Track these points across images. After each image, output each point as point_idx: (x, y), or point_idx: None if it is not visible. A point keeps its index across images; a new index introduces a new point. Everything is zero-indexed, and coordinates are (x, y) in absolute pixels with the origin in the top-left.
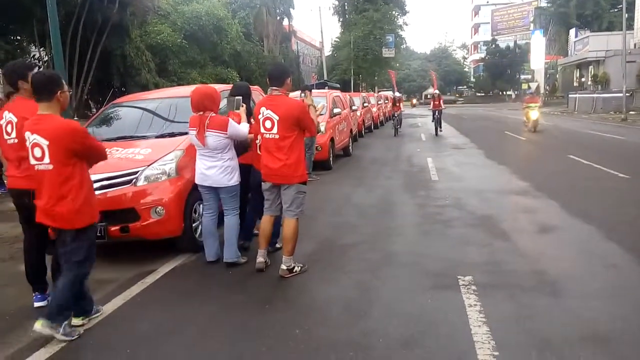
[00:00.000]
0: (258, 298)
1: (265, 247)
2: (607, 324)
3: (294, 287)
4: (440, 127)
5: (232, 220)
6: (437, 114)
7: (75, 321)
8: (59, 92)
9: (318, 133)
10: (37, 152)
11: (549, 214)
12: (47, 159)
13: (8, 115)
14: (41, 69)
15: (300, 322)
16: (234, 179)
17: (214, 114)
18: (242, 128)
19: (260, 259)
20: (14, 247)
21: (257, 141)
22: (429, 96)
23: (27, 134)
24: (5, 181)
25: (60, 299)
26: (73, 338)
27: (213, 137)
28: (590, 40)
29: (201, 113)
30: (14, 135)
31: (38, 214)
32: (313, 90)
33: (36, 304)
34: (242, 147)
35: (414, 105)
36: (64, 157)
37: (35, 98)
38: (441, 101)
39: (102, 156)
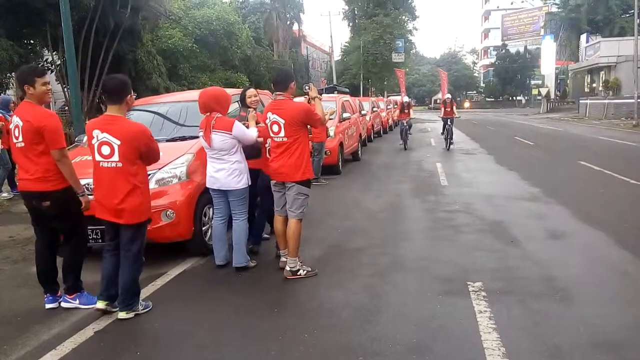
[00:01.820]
0: (267, 302)
1: (285, 247)
2: (619, 331)
3: (303, 291)
4: (452, 139)
5: (240, 225)
6: (448, 123)
7: (100, 305)
8: (128, 96)
9: (328, 138)
10: (105, 150)
11: (559, 220)
12: (116, 157)
13: (15, 119)
14: (54, 71)
15: (309, 326)
16: (242, 182)
17: (220, 115)
18: (249, 132)
19: (283, 258)
20: (27, 248)
21: (267, 145)
22: (438, 101)
23: (96, 132)
24: (17, 183)
25: (131, 287)
26: (150, 307)
27: (218, 137)
28: (601, 45)
29: (208, 114)
30: (21, 138)
31: (97, 208)
32: (323, 95)
33: (47, 306)
34: (254, 151)
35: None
36: (133, 156)
37: (107, 101)
38: (453, 107)
39: (157, 158)
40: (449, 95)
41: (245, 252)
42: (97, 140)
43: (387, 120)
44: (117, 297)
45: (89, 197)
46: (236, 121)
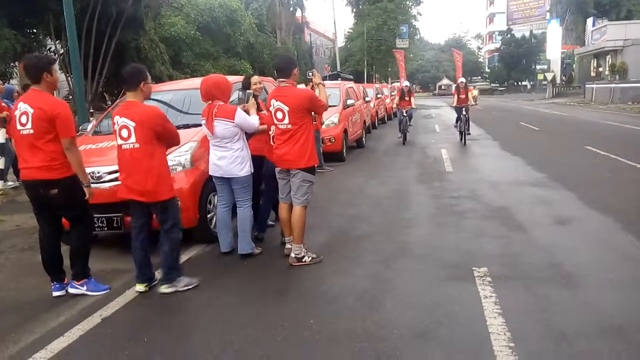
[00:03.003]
0: (272, 288)
1: (290, 234)
2: (625, 316)
3: (308, 277)
4: (469, 131)
5: (245, 213)
6: (463, 112)
7: (139, 287)
8: (142, 83)
9: (332, 125)
10: (124, 133)
11: (565, 206)
12: (133, 139)
13: (23, 106)
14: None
15: (314, 312)
16: (245, 170)
17: (222, 103)
18: (251, 120)
19: (288, 245)
20: (33, 237)
21: (271, 132)
22: (442, 87)
23: (117, 118)
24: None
25: (169, 262)
26: (194, 284)
27: (221, 125)
28: (608, 29)
29: (210, 102)
30: (29, 125)
31: (122, 189)
32: (326, 82)
33: (55, 294)
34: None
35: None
36: (148, 137)
37: (125, 88)
38: (469, 94)
39: (177, 141)
40: (463, 80)
41: (250, 240)
42: (118, 125)
43: (391, 106)
44: (153, 278)
45: (104, 184)
46: (238, 108)
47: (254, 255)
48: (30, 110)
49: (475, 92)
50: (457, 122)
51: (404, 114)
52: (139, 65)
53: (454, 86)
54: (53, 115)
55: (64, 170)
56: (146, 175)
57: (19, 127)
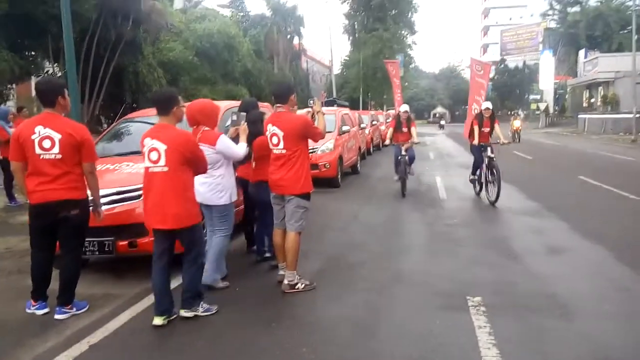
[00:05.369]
0: (265, 316)
1: (283, 260)
2: (619, 347)
3: (301, 305)
4: (500, 184)
5: (219, 240)
6: (488, 153)
7: (157, 321)
8: (175, 107)
9: (327, 150)
10: (154, 156)
11: (559, 235)
12: (162, 162)
13: (43, 131)
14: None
15: (307, 340)
16: (224, 198)
17: (207, 129)
18: (237, 148)
19: (281, 272)
20: (23, 260)
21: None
22: (437, 115)
23: (147, 140)
24: (15, 194)
25: (191, 288)
26: (213, 311)
27: (203, 151)
28: (599, 61)
29: (195, 127)
30: (56, 150)
31: (148, 217)
32: (323, 109)
33: (40, 312)
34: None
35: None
36: (179, 161)
37: (157, 112)
38: (496, 126)
39: (205, 167)
40: (489, 105)
41: (217, 270)
42: (147, 147)
43: (386, 133)
44: (172, 310)
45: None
46: (222, 135)
47: (215, 288)
48: (57, 136)
49: (518, 124)
50: (475, 171)
51: (402, 152)
52: (171, 89)
53: (460, 112)
54: (82, 140)
55: (85, 190)
56: (172, 200)
57: (38, 151)
